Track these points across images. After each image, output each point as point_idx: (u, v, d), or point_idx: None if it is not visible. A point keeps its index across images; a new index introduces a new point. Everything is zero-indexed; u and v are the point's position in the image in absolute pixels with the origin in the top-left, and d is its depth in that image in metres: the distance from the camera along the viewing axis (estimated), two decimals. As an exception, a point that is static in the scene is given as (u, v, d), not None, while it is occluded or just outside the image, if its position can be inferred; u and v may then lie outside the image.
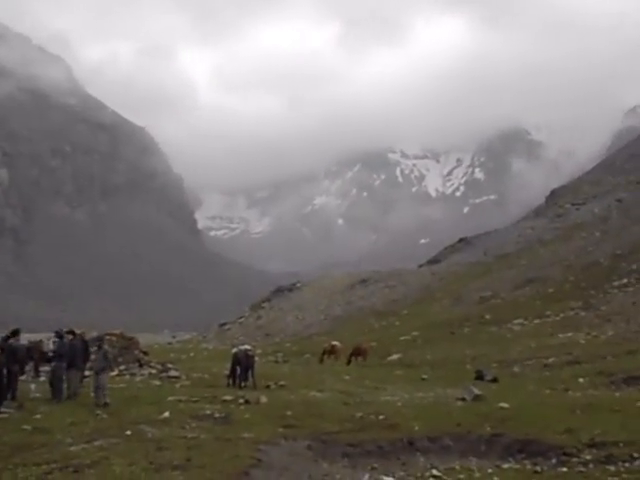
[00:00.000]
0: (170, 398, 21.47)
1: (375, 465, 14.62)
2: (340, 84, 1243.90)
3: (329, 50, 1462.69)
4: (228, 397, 21.76)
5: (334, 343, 44.87)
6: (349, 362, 41.10)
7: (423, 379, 30.55)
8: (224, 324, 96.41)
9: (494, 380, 28.10)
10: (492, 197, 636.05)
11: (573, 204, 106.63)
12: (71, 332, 22.44)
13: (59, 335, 22.37)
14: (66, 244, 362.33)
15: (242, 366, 26.06)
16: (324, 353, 43.65)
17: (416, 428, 16.92)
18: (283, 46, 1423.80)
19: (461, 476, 13.30)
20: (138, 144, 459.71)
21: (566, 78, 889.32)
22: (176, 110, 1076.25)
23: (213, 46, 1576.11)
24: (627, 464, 12.78)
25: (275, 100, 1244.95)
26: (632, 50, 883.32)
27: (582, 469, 12.96)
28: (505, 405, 19.20)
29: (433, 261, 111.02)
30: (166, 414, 18.47)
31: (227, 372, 26.82)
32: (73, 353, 21.51)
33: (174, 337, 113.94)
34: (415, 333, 58.93)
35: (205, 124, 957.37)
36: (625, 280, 59.39)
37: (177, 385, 26.07)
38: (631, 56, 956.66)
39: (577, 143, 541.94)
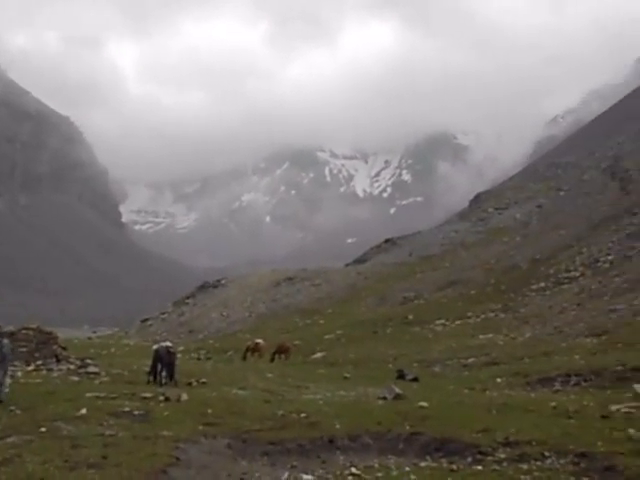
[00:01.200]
0: (88, 394, 20.97)
1: (295, 463, 14.62)
2: (271, 82, 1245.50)
3: (260, 48, 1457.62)
4: (148, 394, 21.39)
5: (257, 341, 44.81)
6: (272, 360, 41.10)
7: (345, 378, 30.76)
8: (146, 320, 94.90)
9: (415, 379, 28.50)
10: (418, 199, 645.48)
11: (496, 209, 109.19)
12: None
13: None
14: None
15: (163, 363, 25.66)
16: (247, 350, 43.58)
17: (337, 426, 17.00)
18: (214, 42, 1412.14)
19: (379, 474, 13.43)
20: (63, 134, 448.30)
21: (492, 87, 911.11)
22: (104, 101, 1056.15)
23: (143, 39, 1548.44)
24: (539, 462, 13.14)
25: (205, 95, 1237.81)
26: (552, 64, 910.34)
27: (496, 467, 13.26)
28: (425, 404, 19.48)
29: (359, 261, 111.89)
30: (83, 411, 18.03)
31: (148, 369, 26.40)
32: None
33: (94, 332, 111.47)
34: (339, 332, 59.32)
35: (133, 117, 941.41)
36: (543, 284, 61.16)
37: (96, 381, 25.50)
38: (551, 70, 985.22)
39: (501, 150, 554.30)
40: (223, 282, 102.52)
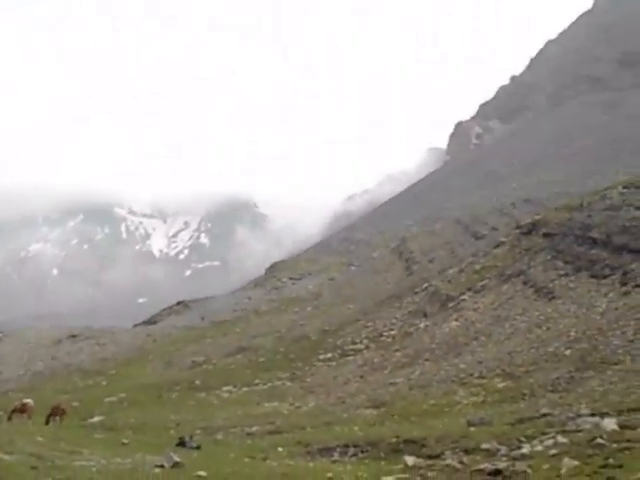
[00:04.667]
0: None
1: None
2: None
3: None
4: None
5: (25, 401, 41.72)
6: (47, 422, 38.53)
7: (124, 444, 29.40)
8: None
9: (197, 447, 27.85)
10: (215, 263, 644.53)
11: (290, 279, 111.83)
12: None
13: None
14: None
15: None
16: (14, 411, 40.49)
17: (108, 496, 16.13)
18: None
19: None
20: None
21: (296, 161, 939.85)
22: None
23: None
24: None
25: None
26: (359, 137, 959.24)
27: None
28: (202, 473, 19.02)
29: (149, 322, 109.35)
30: None
31: None
32: None
33: None
34: (122, 395, 57.21)
35: None
36: (330, 354, 62.99)
37: None
38: (351, 149, 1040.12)
39: (299, 221, 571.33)
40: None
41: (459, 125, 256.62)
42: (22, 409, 40.12)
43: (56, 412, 39.59)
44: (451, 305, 63.41)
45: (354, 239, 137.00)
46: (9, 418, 39.75)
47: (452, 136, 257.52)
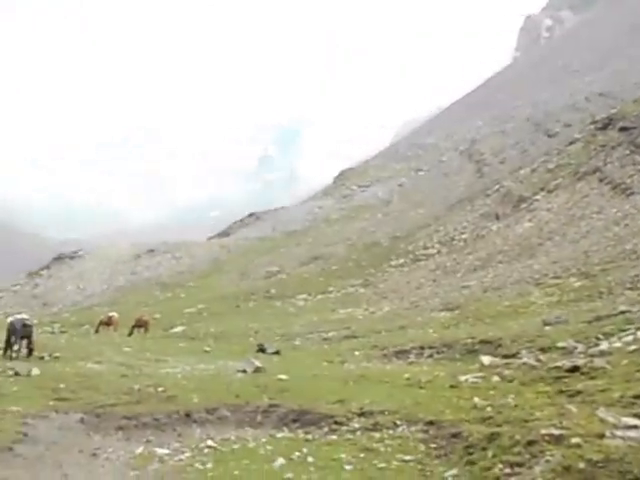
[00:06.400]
0: None
1: (150, 437, 14.39)
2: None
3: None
4: (-5, 369, 20.35)
5: (111, 314, 43.53)
6: (131, 333, 40.24)
7: (206, 351, 30.50)
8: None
9: (276, 353, 28.65)
10: (284, 174, 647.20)
11: (359, 186, 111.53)
12: None
13: None
14: None
15: (17, 336, 24.40)
16: (100, 324, 42.33)
17: (195, 400, 16.83)
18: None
19: (235, 446, 13.44)
20: None
21: (354, 70, 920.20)
22: None
23: None
24: (391, 431, 13.55)
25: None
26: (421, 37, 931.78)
27: (350, 436, 13.57)
28: (284, 377, 19.61)
29: (222, 234, 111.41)
30: None
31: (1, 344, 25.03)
32: None
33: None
34: (200, 306, 58.97)
35: None
36: (402, 260, 63.28)
37: (-63, 356, 23.96)
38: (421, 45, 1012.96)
39: (365, 129, 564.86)
40: (80, 253, 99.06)
41: (528, 18, 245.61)
42: (108, 322, 41.93)
43: (140, 324, 41.25)
44: (524, 206, 62.37)
45: (422, 144, 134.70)
46: (96, 331, 41.65)
47: (521, 30, 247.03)
